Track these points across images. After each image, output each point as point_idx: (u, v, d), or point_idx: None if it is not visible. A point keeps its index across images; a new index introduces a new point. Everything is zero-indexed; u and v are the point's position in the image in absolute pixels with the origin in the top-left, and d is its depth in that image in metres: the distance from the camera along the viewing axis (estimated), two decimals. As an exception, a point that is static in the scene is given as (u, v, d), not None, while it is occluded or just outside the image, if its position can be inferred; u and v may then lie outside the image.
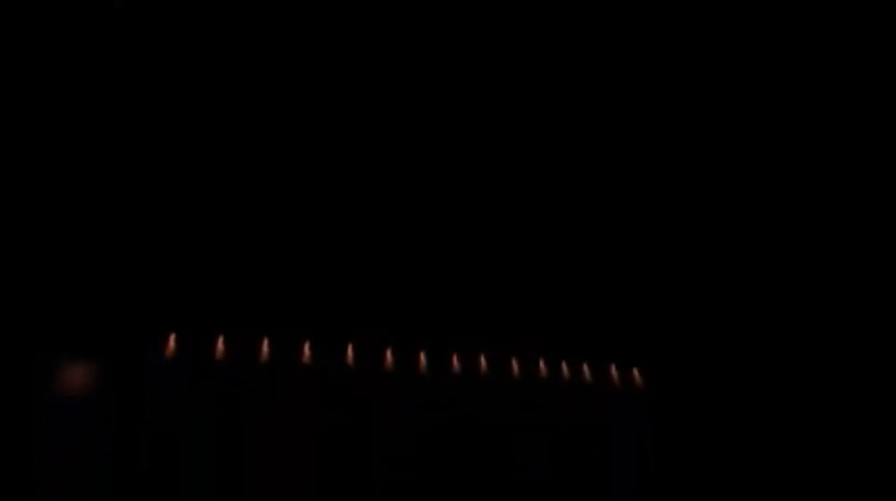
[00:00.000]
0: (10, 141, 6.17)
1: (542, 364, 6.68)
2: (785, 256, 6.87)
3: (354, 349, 6.42)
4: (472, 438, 6.56)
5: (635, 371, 6.79)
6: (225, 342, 6.26)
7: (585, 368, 6.74)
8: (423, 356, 6.52)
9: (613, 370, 6.77)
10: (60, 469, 6.13)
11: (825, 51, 6.59)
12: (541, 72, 6.23)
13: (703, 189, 6.64)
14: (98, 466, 6.17)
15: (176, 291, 6.21)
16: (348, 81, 6.28)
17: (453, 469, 6.53)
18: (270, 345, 6.32)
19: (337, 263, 6.41)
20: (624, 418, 6.77)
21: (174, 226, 6.22)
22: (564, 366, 6.70)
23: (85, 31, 6.55)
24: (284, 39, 6.43)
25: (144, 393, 6.19)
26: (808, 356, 6.91)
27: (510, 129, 6.35)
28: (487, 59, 6.18)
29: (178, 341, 6.20)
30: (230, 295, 6.27)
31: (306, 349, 6.37)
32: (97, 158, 6.25)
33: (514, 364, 6.65)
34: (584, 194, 6.55)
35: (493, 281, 6.56)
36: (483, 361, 6.59)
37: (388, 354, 6.47)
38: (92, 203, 6.21)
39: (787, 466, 6.94)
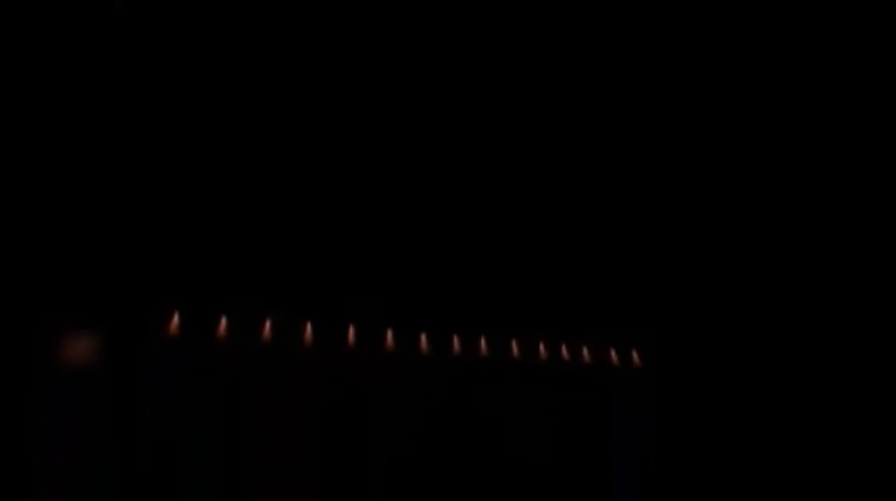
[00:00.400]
0: (14, 123, 6.25)
1: (541, 347, 6.73)
2: (785, 237, 6.94)
3: (355, 330, 6.44)
4: (472, 419, 6.55)
5: (634, 353, 6.84)
6: (228, 323, 6.26)
7: (585, 350, 6.78)
8: (423, 338, 6.54)
9: (613, 352, 6.82)
10: (60, 460, 6.04)
11: (826, 50, 6.76)
12: (531, 52, 6.42)
13: (699, 171, 6.78)
14: (98, 462, 6.09)
15: (179, 271, 6.24)
16: (342, 64, 6.43)
17: (454, 452, 6.50)
18: (272, 326, 6.33)
19: (338, 245, 6.46)
20: (623, 399, 6.79)
21: (177, 210, 6.28)
22: (564, 348, 6.75)
23: (85, 31, 6.69)
24: (284, 36, 6.59)
25: (145, 374, 6.16)
26: (809, 334, 6.92)
27: (506, 110, 6.51)
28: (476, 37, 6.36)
29: (181, 320, 6.20)
30: (233, 276, 6.30)
31: (308, 329, 6.38)
32: (101, 143, 6.34)
33: (514, 346, 6.68)
34: (583, 177, 6.67)
35: (493, 263, 6.63)
36: (483, 343, 6.62)
37: (389, 335, 6.49)
38: (96, 189, 6.27)
39: (787, 450, 6.92)
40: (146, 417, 6.14)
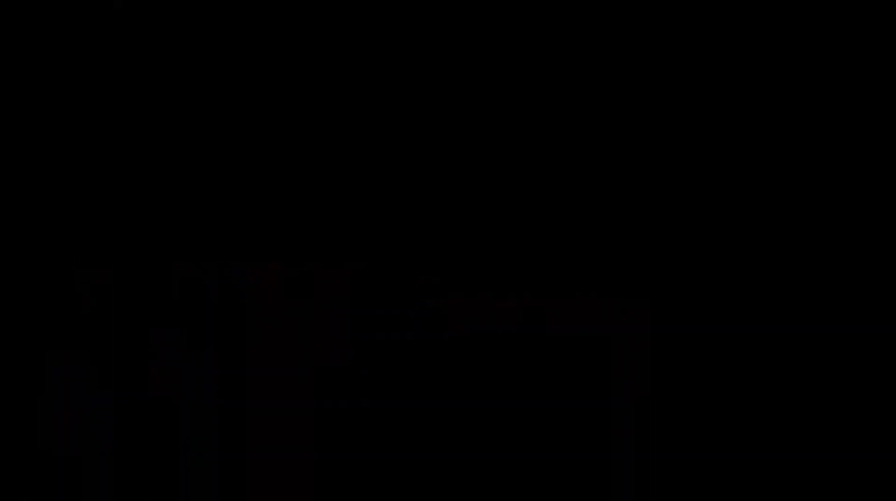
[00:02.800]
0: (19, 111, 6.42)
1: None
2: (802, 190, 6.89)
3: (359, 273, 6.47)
4: (472, 368, 6.48)
5: (636, 304, 6.88)
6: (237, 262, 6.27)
7: (588, 300, 6.82)
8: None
9: (615, 302, 6.85)
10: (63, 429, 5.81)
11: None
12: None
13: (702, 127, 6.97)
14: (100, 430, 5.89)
15: (189, 217, 6.28)
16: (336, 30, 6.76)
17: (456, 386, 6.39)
18: (281, 272, 6.34)
19: (347, 196, 6.57)
20: (624, 340, 6.77)
21: (187, 154, 6.40)
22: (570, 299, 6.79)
23: (85, 31, 7.02)
24: (285, 33, 6.95)
25: (152, 317, 6.07)
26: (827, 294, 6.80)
27: (504, 55, 6.79)
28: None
29: (193, 266, 6.19)
30: (242, 223, 6.35)
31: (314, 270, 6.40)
32: (112, 117, 6.51)
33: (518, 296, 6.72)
34: (583, 127, 6.87)
35: (498, 213, 6.74)
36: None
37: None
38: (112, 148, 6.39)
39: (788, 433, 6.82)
40: (152, 354, 6.00)
